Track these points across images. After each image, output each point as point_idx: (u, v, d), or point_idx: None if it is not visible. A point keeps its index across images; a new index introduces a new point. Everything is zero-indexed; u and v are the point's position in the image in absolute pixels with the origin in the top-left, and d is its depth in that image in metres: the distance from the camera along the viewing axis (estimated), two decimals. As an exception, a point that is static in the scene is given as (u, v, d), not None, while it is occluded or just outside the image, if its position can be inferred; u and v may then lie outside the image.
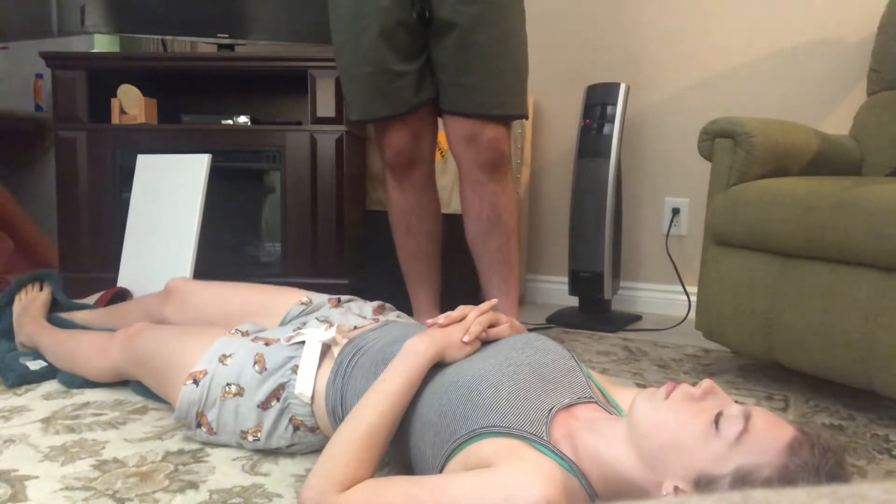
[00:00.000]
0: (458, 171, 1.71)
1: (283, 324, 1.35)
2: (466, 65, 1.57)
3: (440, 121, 1.72)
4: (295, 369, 1.13)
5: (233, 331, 1.25)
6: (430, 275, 1.81)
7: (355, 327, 1.23)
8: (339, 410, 1.08)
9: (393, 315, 1.38)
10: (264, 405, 1.13)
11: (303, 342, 1.16)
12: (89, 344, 1.45)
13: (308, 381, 1.11)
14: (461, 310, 1.06)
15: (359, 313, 1.34)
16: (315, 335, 1.16)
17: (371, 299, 1.44)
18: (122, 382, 1.48)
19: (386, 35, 1.56)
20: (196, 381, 1.15)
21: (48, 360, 1.53)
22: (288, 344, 1.17)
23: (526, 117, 1.71)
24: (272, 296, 1.41)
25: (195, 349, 1.21)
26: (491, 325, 1.06)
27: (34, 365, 1.52)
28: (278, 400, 1.12)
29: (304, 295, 1.38)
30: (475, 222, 1.71)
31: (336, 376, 1.10)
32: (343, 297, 1.40)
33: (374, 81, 1.60)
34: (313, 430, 1.13)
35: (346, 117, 2.36)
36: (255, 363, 1.15)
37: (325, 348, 1.15)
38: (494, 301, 1.10)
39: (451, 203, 2.37)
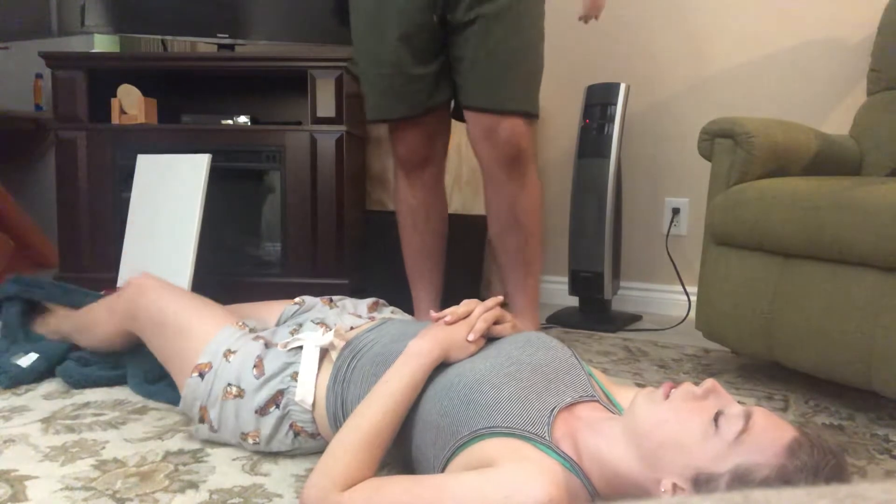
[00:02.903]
0: (481, 170, 1.72)
1: (278, 324, 1.35)
2: (483, 59, 1.57)
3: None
4: (294, 376, 1.12)
5: (240, 322, 1.25)
6: (433, 273, 1.82)
7: (352, 328, 1.23)
8: (339, 416, 1.07)
9: (388, 311, 1.38)
10: (262, 411, 1.12)
11: (300, 347, 1.16)
12: (100, 306, 1.44)
13: (308, 387, 1.10)
14: (466, 305, 1.06)
15: (353, 311, 1.33)
16: (313, 339, 1.15)
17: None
18: (121, 382, 1.48)
19: (405, 38, 1.57)
20: (201, 375, 1.15)
21: (74, 341, 1.53)
22: (286, 350, 1.16)
23: (536, 117, 1.70)
24: (270, 303, 1.43)
25: (203, 332, 1.20)
26: (495, 322, 1.06)
27: (25, 361, 1.52)
28: (277, 406, 1.12)
29: (296, 298, 1.40)
30: (495, 221, 1.73)
31: (335, 381, 1.10)
32: (335, 298, 1.41)
33: (390, 83, 1.62)
34: (314, 436, 1.12)
35: (343, 118, 2.36)
36: (255, 366, 1.14)
37: (324, 352, 1.15)
38: (500, 298, 1.10)
39: (450, 203, 2.37)
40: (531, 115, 1.65)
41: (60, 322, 1.60)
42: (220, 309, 1.29)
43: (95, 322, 1.45)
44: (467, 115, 1.66)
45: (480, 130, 1.64)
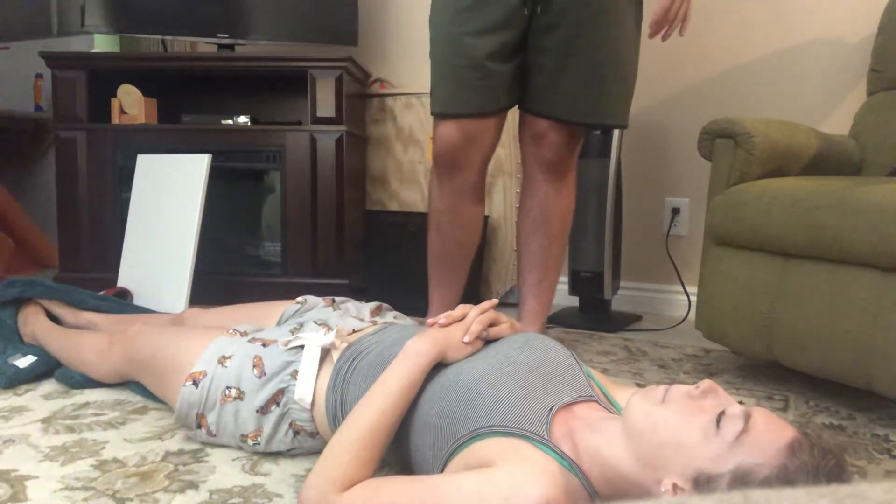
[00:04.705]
0: (522, 167, 1.73)
1: (279, 323, 1.35)
2: (567, 69, 1.53)
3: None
4: (294, 374, 1.12)
5: (231, 330, 1.25)
6: (450, 279, 1.75)
7: (354, 331, 1.23)
8: (339, 416, 1.07)
9: (390, 316, 1.38)
10: (263, 410, 1.13)
11: (301, 346, 1.16)
12: (90, 349, 1.45)
13: (308, 386, 1.10)
14: (461, 309, 1.06)
15: (356, 315, 1.33)
16: (314, 339, 1.15)
17: (371, 299, 1.45)
18: (122, 382, 1.48)
19: (493, 30, 1.50)
20: (196, 383, 1.15)
21: (56, 357, 1.54)
22: (286, 349, 1.16)
23: (626, 126, 1.68)
24: (271, 303, 1.44)
25: (194, 349, 1.21)
26: (491, 325, 1.06)
27: (24, 363, 1.52)
28: (278, 405, 1.12)
29: (298, 298, 1.41)
30: (523, 219, 1.73)
31: (336, 382, 1.10)
32: (337, 299, 1.41)
33: (468, 76, 1.53)
34: (313, 435, 1.12)
35: (343, 118, 2.36)
36: (254, 366, 1.14)
37: (325, 353, 1.15)
38: (495, 301, 1.10)
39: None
40: (619, 127, 1.65)
41: (45, 334, 1.59)
42: (210, 329, 1.31)
43: (83, 361, 1.46)
44: (522, 114, 1.65)
45: (531, 133, 1.64)
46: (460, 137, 1.58)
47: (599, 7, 1.51)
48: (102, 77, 2.46)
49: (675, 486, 0.75)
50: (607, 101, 1.58)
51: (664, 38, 1.56)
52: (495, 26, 1.50)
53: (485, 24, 1.50)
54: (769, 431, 0.72)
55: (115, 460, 1.13)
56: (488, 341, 1.05)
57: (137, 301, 2.14)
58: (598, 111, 1.58)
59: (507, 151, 2.47)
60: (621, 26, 1.55)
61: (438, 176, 1.66)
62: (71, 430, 1.25)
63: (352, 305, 1.38)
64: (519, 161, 2.47)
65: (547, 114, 1.59)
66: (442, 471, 0.89)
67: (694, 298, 2.30)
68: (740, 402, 0.85)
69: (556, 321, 2.29)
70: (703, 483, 0.73)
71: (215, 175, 2.20)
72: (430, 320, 1.05)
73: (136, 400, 1.41)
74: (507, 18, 1.50)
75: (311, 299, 1.39)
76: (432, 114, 1.62)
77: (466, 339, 1.01)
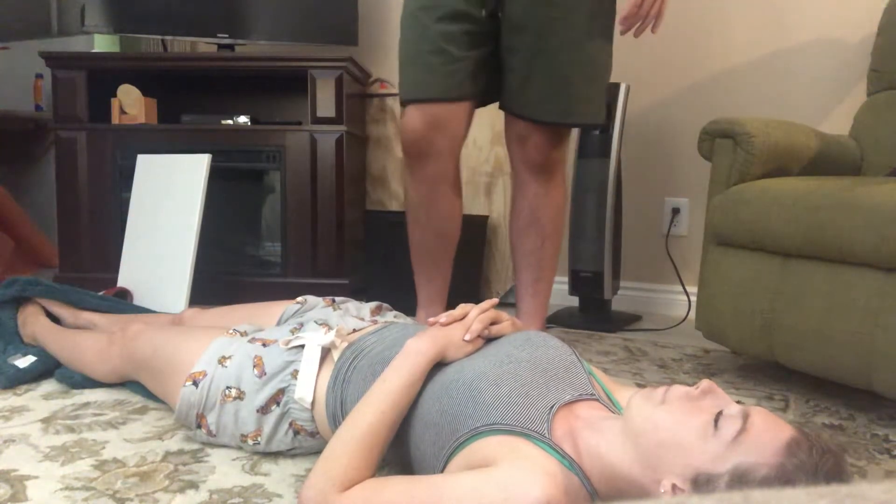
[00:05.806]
0: (510, 167, 1.74)
1: (279, 323, 1.35)
2: (535, 71, 1.55)
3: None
4: (295, 374, 1.12)
5: (231, 330, 1.25)
6: (435, 272, 1.77)
7: (354, 330, 1.23)
8: (339, 416, 1.07)
9: (391, 315, 1.38)
10: (264, 410, 1.13)
11: (302, 346, 1.16)
12: (90, 349, 1.45)
13: (308, 386, 1.10)
14: (462, 308, 1.06)
15: (356, 315, 1.33)
16: (314, 339, 1.15)
17: (371, 299, 1.45)
18: (122, 382, 1.48)
19: (449, 20, 1.53)
20: (196, 383, 1.15)
21: (56, 357, 1.54)
22: (287, 348, 1.16)
23: (601, 124, 1.68)
24: (271, 303, 1.44)
25: (193, 349, 1.21)
26: (492, 323, 1.06)
27: (24, 363, 1.52)
28: (278, 405, 1.12)
29: (298, 298, 1.41)
30: (515, 220, 1.74)
31: (336, 381, 1.10)
32: (337, 299, 1.41)
33: (430, 61, 1.55)
34: (313, 434, 1.12)
35: (343, 118, 2.36)
36: (254, 366, 1.14)
37: (325, 352, 1.15)
38: (495, 300, 1.10)
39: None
40: (592, 126, 1.65)
41: (45, 334, 1.59)
42: (209, 329, 1.31)
43: (83, 361, 1.46)
44: (506, 115, 1.66)
45: (515, 133, 1.65)
46: (424, 123, 1.58)
47: (564, 8, 1.52)
48: (102, 77, 2.46)
49: (674, 486, 0.75)
50: (577, 102, 1.60)
51: (636, 35, 1.57)
52: (455, 16, 1.54)
53: (445, 13, 1.54)
54: (767, 431, 0.72)
55: (115, 460, 1.13)
56: (489, 340, 1.05)
57: (137, 301, 2.14)
58: (568, 111, 1.60)
59: (506, 151, 2.47)
60: (588, 26, 1.56)
61: (409, 165, 1.67)
62: (71, 430, 1.25)
63: (352, 305, 1.38)
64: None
65: (522, 114, 1.61)
66: (443, 469, 0.89)
67: (694, 298, 2.30)
68: (739, 402, 0.85)
69: (556, 321, 2.29)
70: (702, 483, 0.73)
71: (215, 175, 2.20)
72: (430, 319, 1.05)
73: (136, 400, 1.41)
74: (463, 11, 1.53)
75: (312, 299, 1.39)
76: (401, 103, 1.64)
77: (467, 337, 1.01)
